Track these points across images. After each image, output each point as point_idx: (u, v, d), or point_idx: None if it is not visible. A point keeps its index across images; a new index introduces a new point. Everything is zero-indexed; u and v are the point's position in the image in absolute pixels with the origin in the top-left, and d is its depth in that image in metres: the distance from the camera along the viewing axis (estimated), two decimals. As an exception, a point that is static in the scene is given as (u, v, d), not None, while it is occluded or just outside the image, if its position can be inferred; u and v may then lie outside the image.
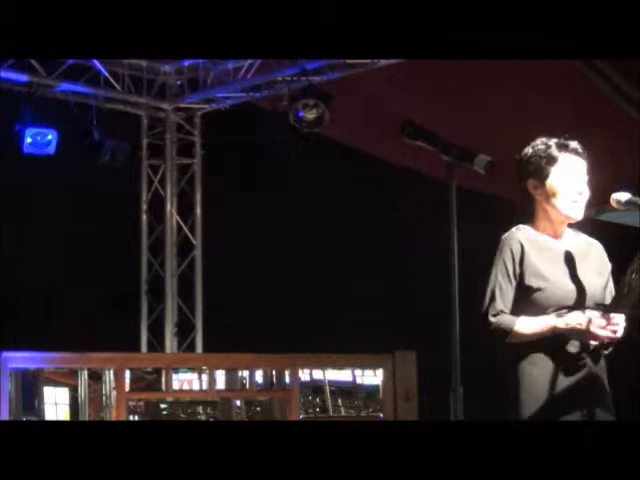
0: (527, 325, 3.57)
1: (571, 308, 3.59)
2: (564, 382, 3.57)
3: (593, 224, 3.90)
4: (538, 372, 3.58)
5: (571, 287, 3.63)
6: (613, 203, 3.67)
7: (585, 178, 3.73)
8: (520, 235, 3.68)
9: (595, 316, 3.54)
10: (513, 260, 3.63)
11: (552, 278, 3.62)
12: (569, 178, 3.68)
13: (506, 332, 3.57)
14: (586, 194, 3.72)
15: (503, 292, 3.62)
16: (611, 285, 3.74)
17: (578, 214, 3.72)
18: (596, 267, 3.73)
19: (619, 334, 3.55)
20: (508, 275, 3.63)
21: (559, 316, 3.57)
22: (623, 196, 3.64)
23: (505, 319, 3.59)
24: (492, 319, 3.59)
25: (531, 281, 3.61)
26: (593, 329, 3.52)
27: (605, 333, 3.52)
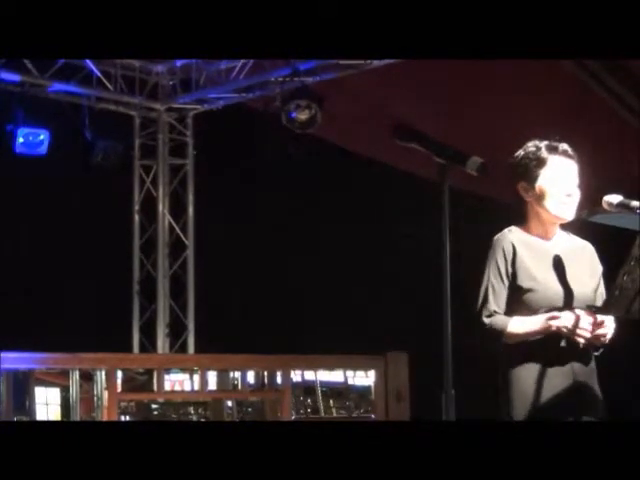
0: (520, 325, 3.58)
1: (561, 309, 3.60)
2: (554, 383, 3.58)
3: (585, 226, 3.91)
4: (529, 373, 3.58)
5: (561, 288, 3.64)
6: (605, 205, 3.67)
7: (575, 180, 3.73)
8: (511, 236, 3.70)
9: (584, 316, 3.54)
10: (505, 260, 3.65)
11: (542, 279, 3.63)
12: (558, 180, 3.69)
13: (499, 333, 3.58)
14: (576, 195, 3.73)
15: (496, 293, 3.63)
16: (602, 287, 3.74)
17: (567, 214, 3.72)
18: (587, 269, 3.74)
19: (609, 335, 3.56)
20: (500, 275, 3.64)
21: (550, 316, 3.58)
22: (615, 198, 3.64)
23: (498, 320, 3.60)
24: (485, 320, 3.61)
25: (523, 281, 3.62)
26: (582, 327, 3.52)
27: (594, 333, 3.53)
